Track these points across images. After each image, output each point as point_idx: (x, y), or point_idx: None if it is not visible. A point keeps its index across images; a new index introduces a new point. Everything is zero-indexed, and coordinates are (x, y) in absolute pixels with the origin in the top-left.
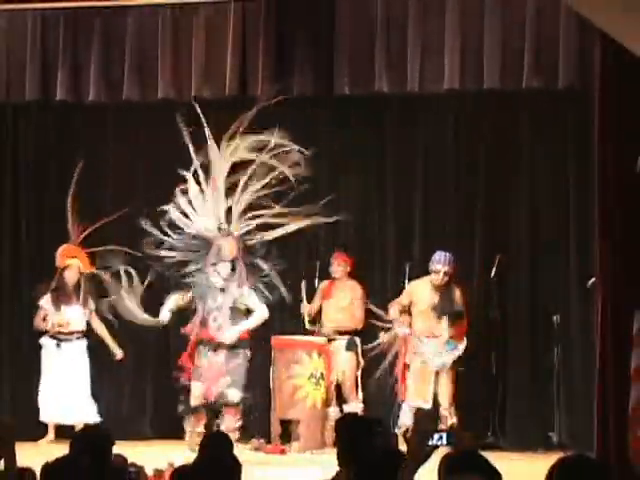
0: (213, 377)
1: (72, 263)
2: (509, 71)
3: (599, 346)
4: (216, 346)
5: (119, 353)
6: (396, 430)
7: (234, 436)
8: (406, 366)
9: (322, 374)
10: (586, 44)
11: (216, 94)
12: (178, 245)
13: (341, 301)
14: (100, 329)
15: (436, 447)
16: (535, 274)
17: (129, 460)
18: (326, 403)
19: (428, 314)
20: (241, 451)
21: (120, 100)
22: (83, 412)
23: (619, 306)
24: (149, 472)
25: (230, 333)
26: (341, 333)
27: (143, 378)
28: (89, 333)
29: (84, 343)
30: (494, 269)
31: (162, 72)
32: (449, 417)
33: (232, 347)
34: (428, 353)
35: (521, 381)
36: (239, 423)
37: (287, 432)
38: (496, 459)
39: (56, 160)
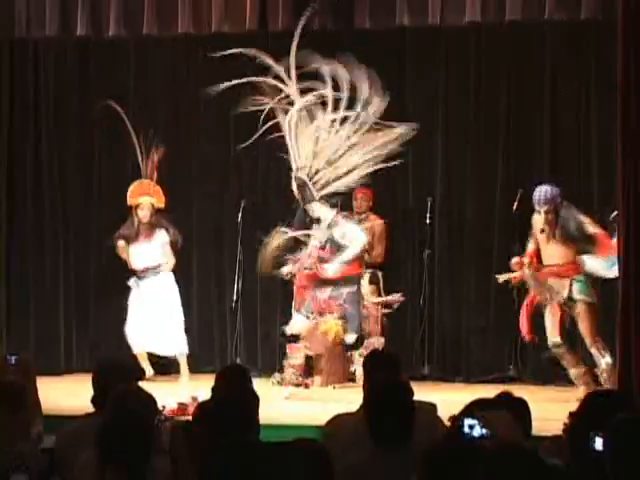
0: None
1: (143, 201)
2: (531, 3)
3: (622, 281)
4: (321, 282)
5: None
6: None
7: None
8: None
9: None
10: None
11: (236, 29)
12: None
13: None
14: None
15: (472, 439)
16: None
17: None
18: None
19: None
20: (263, 385)
21: (140, 35)
22: (174, 344)
23: None
24: (173, 405)
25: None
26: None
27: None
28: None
29: (171, 275)
30: (515, 204)
31: (182, 7)
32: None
33: (336, 283)
34: None
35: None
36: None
37: (310, 366)
38: (517, 392)
39: (77, 95)
